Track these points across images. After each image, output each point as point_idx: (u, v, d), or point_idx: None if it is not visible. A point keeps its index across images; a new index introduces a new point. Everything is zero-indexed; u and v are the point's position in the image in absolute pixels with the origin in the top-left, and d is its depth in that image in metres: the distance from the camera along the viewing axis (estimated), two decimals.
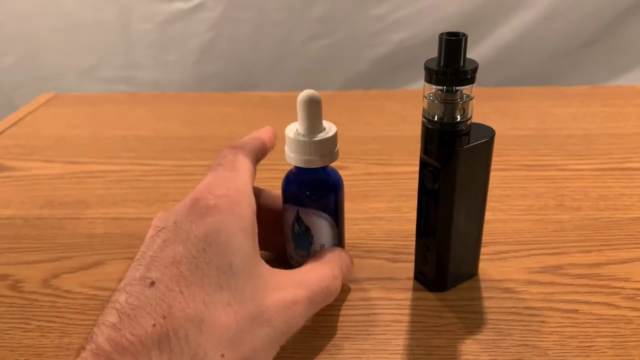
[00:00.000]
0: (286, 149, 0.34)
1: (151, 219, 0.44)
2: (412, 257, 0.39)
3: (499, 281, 0.38)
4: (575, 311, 0.35)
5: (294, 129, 0.34)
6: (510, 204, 0.48)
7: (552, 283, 0.38)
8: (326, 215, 0.35)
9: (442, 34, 0.30)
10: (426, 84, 0.32)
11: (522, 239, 0.43)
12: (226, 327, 0.26)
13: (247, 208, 0.30)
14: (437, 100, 0.32)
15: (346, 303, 0.37)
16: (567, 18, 1.19)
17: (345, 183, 0.53)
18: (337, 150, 0.35)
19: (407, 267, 0.40)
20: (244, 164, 0.33)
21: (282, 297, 0.29)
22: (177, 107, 0.75)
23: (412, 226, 0.44)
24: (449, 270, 0.37)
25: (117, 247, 0.44)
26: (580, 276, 0.38)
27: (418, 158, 0.53)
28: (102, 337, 0.23)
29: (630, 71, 1.23)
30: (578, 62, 1.23)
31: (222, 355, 0.25)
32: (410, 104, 0.73)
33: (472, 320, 0.35)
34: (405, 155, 0.58)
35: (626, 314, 0.35)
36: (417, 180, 0.52)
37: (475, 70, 0.30)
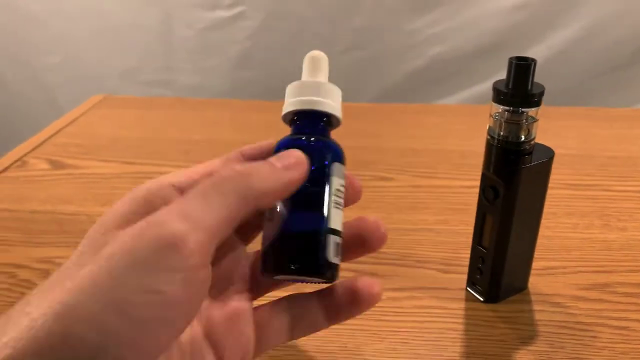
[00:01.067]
0: (285, 101, 0.29)
1: None
2: (463, 269, 0.41)
3: (548, 295, 0.40)
4: (626, 328, 0.36)
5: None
6: (556, 222, 0.49)
7: (600, 300, 0.39)
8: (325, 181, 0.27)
9: (511, 58, 0.32)
10: (493, 103, 0.33)
11: (570, 256, 0.44)
12: None
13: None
14: (503, 120, 0.33)
15: (401, 310, 0.38)
16: (604, 38, 1.20)
17: (391, 194, 0.55)
18: (340, 115, 0.29)
19: (459, 278, 0.41)
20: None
21: None
22: (223, 113, 0.77)
23: (462, 239, 0.46)
24: (502, 283, 0.38)
25: None
26: (629, 295, 0.39)
27: (463, 172, 0.54)
28: None
29: None
30: (614, 82, 1.23)
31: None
32: (452, 118, 0.74)
33: (525, 331, 0.36)
34: (449, 168, 0.59)
35: None
36: (463, 195, 0.54)
37: (542, 93, 0.32)
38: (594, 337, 0.36)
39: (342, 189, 0.28)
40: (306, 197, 0.27)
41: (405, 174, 0.58)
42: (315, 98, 0.28)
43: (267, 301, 0.28)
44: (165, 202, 0.24)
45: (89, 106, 0.80)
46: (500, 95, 0.32)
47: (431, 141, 0.66)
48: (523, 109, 0.32)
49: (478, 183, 0.55)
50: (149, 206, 0.25)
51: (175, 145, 0.66)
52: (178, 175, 0.27)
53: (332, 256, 0.26)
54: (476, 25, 1.23)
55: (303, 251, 0.26)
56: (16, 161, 0.62)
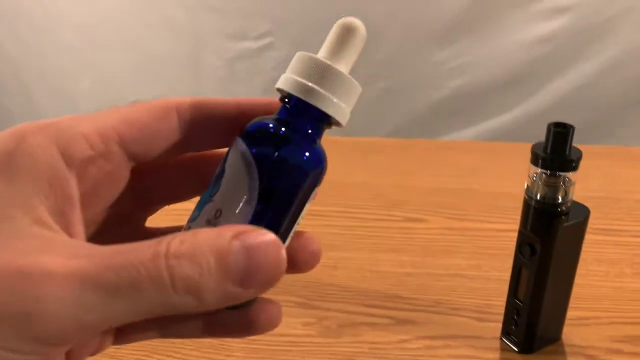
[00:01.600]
0: (289, 70, 0.23)
1: None
2: (497, 317, 0.42)
3: (582, 347, 0.41)
4: None
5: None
6: (587, 269, 0.50)
7: (635, 354, 0.40)
8: (255, 175, 0.21)
9: (550, 124, 0.34)
10: (531, 165, 0.35)
11: (602, 306, 0.45)
12: None
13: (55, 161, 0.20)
14: (541, 181, 0.35)
15: (439, 359, 0.40)
16: (627, 72, 1.21)
17: (423, 237, 0.56)
18: (345, 120, 0.24)
19: (493, 327, 0.42)
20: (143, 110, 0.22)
21: (41, 262, 0.17)
22: None
23: (494, 285, 0.47)
24: (537, 334, 0.39)
25: None
26: None
27: (493, 215, 0.56)
28: None
29: None
30: (636, 117, 1.23)
31: None
32: (479, 156, 0.75)
33: None
34: (479, 210, 0.60)
35: None
36: (494, 238, 0.55)
37: (579, 158, 0.34)
38: None
39: (303, 214, 0.23)
40: (262, 219, 0.21)
41: (436, 216, 0.60)
42: (320, 90, 0.22)
43: None
44: (49, 183, 0.18)
45: None
46: (538, 159, 0.34)
47: (460, 180, 0.68)
48: (561, 173, 0.34)
49: (508, 227, 0.57)
50: (25, 184, 0.18)
51: None
52: (69, 133, 0.19)
53: None
54: (499, 57, 1.24)
55: None
56: None
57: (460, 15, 1.22)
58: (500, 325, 0.41)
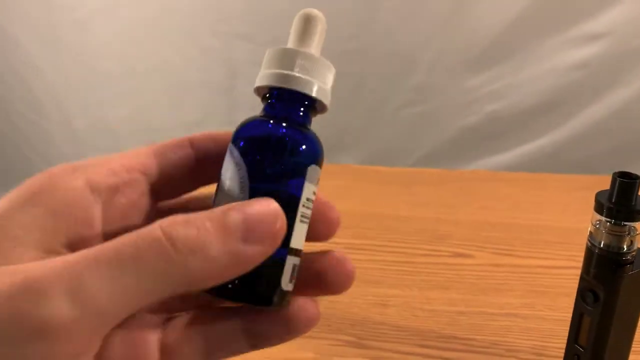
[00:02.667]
0: (261, 71, 0.24)
1: None
2: None
3: None
4: None
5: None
6: None
7: None
8: (244, 171, 0.22)
9: (615, 174, 0.34)
10: (595, 213, 0.35)
11: None
12: None
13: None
14: (605, 230, 0.35)
15: None
16: None
17: (472, 273, 0.56)
18: (328, 100, 0.24)
19: None
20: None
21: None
22: None
23: (549, 326, 0.47)
24: None
25: None
26: None
27: (539, 250, 0.56)
28: None
29: None
30: None
31: None
32: (522, 187, 0.75)
33: None
34: (527, 246, 0.60)
35: None
36: (543, 276, 0.55)
37: None
38: None
39: (313, 197, 0.22)
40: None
41: (483, 251, 0.60)
42: (298, 74, 0.22)
43: (179, 318, 0.23)
44: (70, 208, 0.19)
45: None
46: (602, 208, 0.34)
47: (505, 214, 0.68)
48: (626, 223, 0.34)
49: (555, 263, 0.57)
50: (45, 209, 0.19)
51: None
52: (97, 168, 0.21)
53: (286, 283, 0.22)
54: (533, 83, 1.24)
55: (253, 278, 0.21)
56: None
57: (494, 41, 1.23)
58: None
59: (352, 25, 1.26)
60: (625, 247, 0.35)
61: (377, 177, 0.82)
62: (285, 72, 0.22)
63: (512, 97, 1.26)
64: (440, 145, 1.35)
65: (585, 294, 0.37)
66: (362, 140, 1.36)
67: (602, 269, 0.36)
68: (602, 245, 0.35)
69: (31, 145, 1.51)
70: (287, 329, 0.22)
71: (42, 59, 1.43)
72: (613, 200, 0.34)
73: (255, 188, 0.21)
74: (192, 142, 0.24)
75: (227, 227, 0.18)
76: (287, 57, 0.22)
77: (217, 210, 0.19)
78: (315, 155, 0.23)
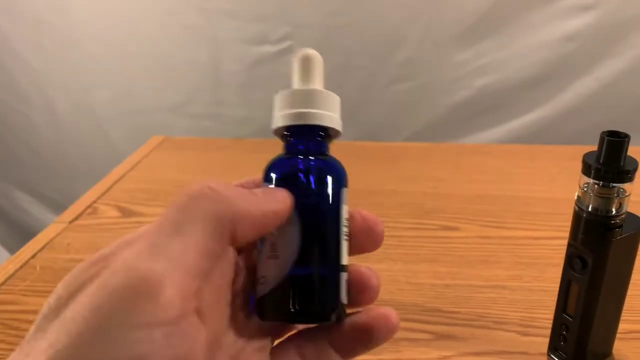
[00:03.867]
0: (275, 113, 0.26)
1: None
2: (541, 331, 0.40)
3: None
4: None
5: None
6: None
7: None
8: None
9: (603, 132, 0.32)
10: (582, 175, 0.33)
11: None
12: None
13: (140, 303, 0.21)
14: (593, 192, 0.33)
15: None
16: None
17: (459, 246, 0.55)
18: (340, 126, 0.26)
19: (538, 342, 0.41)
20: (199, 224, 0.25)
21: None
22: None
23: (536, 297, 0.46)
24: (587, 350, 0.38)
25: None
26: None
27: (528, 222, 0.54)
28: None
29: None
30: None
31: None
32: (510, 159, 0.74)
33: None
34: (515, 217, 0.59)
35: None
36: (532, 247, 0.54)
37: (635, 169, 0.32)
38: None
39: (347, 215, 0.25)
40: (316, 231, 0.24)
41: (471, 224, 0.58)
42: (310, 110, 0.25)
43: (278, 344, 0.25)
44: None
45: (149, 149, 0.82)
46: (590, 169, 0.32)
47: (493, 186, 0.66)
48: (614, 184, 0.32)
49: (544, 234, 0.55)
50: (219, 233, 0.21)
51: None
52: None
53: (344, 296, 0.24)
54: (523, 56, 1.22)
55: (315, 296, 0.24)
56: (87, 208, 0.64)
57: (482, 15, 1.20)
58: (546, 340, 0.40)
59: (339, 0, 1.23)
60: (614, 210, 0.33)
61: (363, 152, 0.80)
62: (297, 111, 0.25)
63: (502, 72, 1.24)
64: (431, 121, 1.33)
65: (573, 260, 0.36)
66: (351, 118, 1.33)
67: (590, 234, 0.34)
68: (590, 209, 0.34)
69: (12, 131, 1.48)
70: (369, 340, 0.24)
71: (22, 42, 1.39)
72: (601, 161, 0.32)
73: (302, 222, 0.24)
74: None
75: (252, 190, 0.23)
76: (296, 97, 0.25)
77: None
78: (344, 179, 0.25)
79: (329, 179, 0.25)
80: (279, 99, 0.25)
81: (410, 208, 0.62)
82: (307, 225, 0.23)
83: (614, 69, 1.20)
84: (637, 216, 0.35)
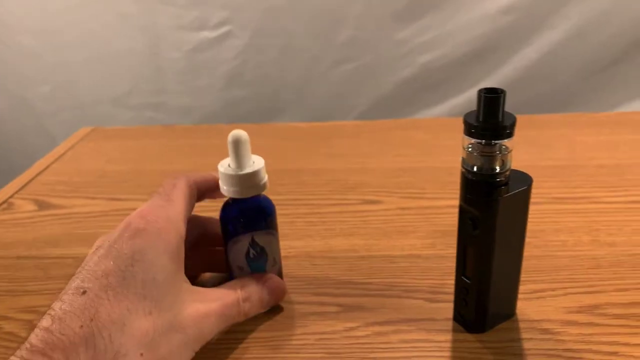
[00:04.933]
0: (220, 182, 0.39)
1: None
2: (450, 297, 0.40)
3: (537, 321, 0.39)
4: (615, 353, 0.36)
5: (226, 164, 0.39)
6: (544, 240, 0.48)
7: (590, 324, 0.38)
8: (275, 232, 0.41)
9: (480, 90, 0.32)
10: (465, 136, 0.33)
11: (558, 277, 0.43)
12: (145, 331, 0.30)
13: (174, 235, 0.34)
14: (476, 152, 0.33)
15: (388, 345, 0.38)
16: (592, 38, 1.19)
17: (379, 218, 0.54)
18: (265, 183, 0.39)
19: (446, 308, 0.41)
20: (180, 194, 0.38)
21: (197, 309, 0.34)
22: (211, 140, 0.77)
23: (448, 264, 0.46)
24: (488, 312, 0.38)
25: None
26: (619, 316, 0.39)
27: (449, 191, 0.54)
28: (35, 337, 0.28)
29: None
30: (605, 81, 1.22)
31: (141, 355, 0.30)
32: (439, 133, 0.74)
33: None
34: (437, 187, 0.59)
35: None
36: (450, 215, 0.53)
37: (513, 125, 0.32)
38: None
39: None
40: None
41: (393, 196, 0.58)
42: (235, 188, 0.38)
43: None
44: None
45: (76, 139, 0.80)
46: (471, 128, 0.32)
47: (418, 159, 0.66)
48: (496, 141, 0.32)
49: None
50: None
51: (160, 178, 0.66)
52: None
53: None
54: (463, 31, 1.23)
55: None
56: (2, 203, 0.62)
57: None
58: (452, 304, 0.40)
59: None
60: (498, 167, 0.33)
61: (295, 133, 0.79)
62: (230, 188, 0.39)
63: (444, 47, 1.24)
64: (377, 100, 1.32)
65: (464, 222, 0.35)
66: (298, 101, 1.32)
67: (477, 194, 0.34)
68: (474, 169, 0.33)
69: None
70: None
71: None
72: (480, 119, 0.32)
73: (254, 248, 0.41)
74: (189, 184, 0.40)
75: (262, 298, 0.40)
76: (228, 178, 0.38)
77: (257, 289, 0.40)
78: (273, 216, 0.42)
79: (268, 214, 0.41)
80: (222, 176, 0.39)
81: (335, 185, 0.61)
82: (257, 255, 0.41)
83: (552, 39, 1.21)
84: (523, 173, 0.35)
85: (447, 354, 0.37)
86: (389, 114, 1.30)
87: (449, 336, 0.38)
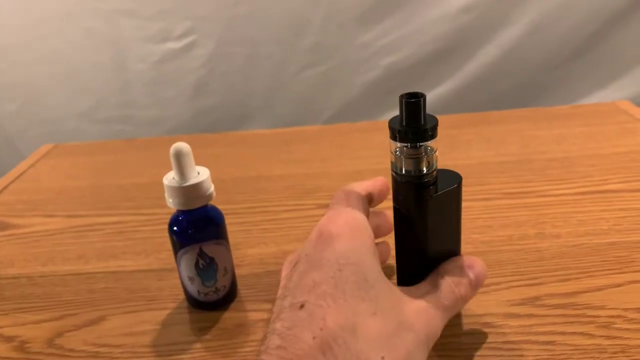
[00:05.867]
0: (165, 195, 0.40)
1: (149, 270, 0.49)
2: None
3: (479, 316, 0.40)
4: (552, 343, 0.37)
5: (171, 177, 0.40)
6: (491, 235, 0.49)
7: (530, 315, 0.39)
8: (224, 241, 0.42)
9: (402, 95, 0.32)
10: (391, 141, 0.34)
11: (503, 271, 0.44)
12: (378, 332, 0.28)
13: (368, 234, 0.34)
14: (403, 155, 0.34)
15: None
16: (551, 32, 1.22)
17: None
18: (211, 193, 0.41)
19: None
20: (355, 198, 0.38)
21: (417, 306, 0.32)
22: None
23: (393, 262, 0.46)
24: None
25: (117, 301, 0.46)
26: (557, 306, 0.40)
27: None
28: (272, 358, 0.27)
29: (616, 80, 1.25)
30: (565, 74, 1.25)
31: (383, 358, 0.28)
32: None
33: (454, 358, 0.37)
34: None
35: (600, 343, 0.36)
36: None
37: (435, 127, 0.33)
38: (521, 355, 0.36)
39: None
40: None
41: None
42: (180, 200, 0.39)
43: None
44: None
45: (37, 157, 0.80)
46: (395, 133, 0.33)
47: (375, 160, 0.67)
48: (420, 144, 0.33)
49: None
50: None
51: (120, 192, 0.66)
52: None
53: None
54: (425, 31, 1.24)
55: None
56: None
57: None
58: None
59: None
60: (424, 169, 0.34)
61: (258, 140, 0.80)
62: (174, 200, 0.40)
63: (407, 48, 1.26)
64: (345, 104, 1.33)
65: (398, 222, 0.36)
66: (267, 107, 1.33)
67: (408, 196, 0.35)
68: (403, 172, 0.34)
69: None
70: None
71: None
72: (403, 123, 0.33)
73: (203, 258, 0.42)
74: (366, 195, 0.40)
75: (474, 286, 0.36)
76: (172, 190, 0.39)
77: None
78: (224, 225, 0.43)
79: (217, 222, 0.42)
80: (167, 189, 0.40)
81: (292, 190, 0.62)
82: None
83: (513, 35, 1.23)
84: (453, 172, 0.36)
85: None
86: (357, 117, 1.32)
87: None
